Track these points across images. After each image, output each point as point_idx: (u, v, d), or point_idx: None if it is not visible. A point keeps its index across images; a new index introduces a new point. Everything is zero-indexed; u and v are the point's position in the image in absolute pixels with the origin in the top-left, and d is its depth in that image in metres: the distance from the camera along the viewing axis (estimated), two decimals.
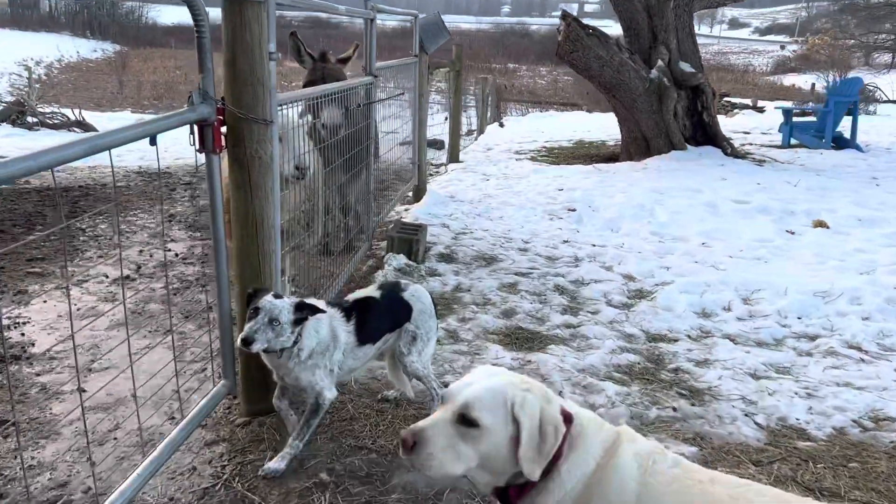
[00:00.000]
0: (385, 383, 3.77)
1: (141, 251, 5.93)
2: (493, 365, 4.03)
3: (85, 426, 2.66)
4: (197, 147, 2.93)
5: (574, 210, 7.65)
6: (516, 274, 5.64)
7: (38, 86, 23.10)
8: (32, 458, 3.07)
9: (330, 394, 3.06)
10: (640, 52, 10.93)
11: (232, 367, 3.29)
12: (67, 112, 15.54)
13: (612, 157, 11.39)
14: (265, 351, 2.90)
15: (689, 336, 4.63)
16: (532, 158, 11.53)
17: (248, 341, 2.73)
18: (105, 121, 16.86)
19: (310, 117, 4.20)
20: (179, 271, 5.50)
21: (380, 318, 3.24)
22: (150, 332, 4.36)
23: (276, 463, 2.97)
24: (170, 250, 6.01)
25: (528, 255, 6.18)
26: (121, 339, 4.22)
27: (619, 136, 11.44)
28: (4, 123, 14.34)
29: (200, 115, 2.83)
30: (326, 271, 4.75)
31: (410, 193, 8.03)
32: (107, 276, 5.27)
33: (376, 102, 5.71)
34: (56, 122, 15.15)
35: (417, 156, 7.87)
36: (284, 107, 3.51)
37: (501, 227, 7.05)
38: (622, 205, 7.79)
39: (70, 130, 14.88)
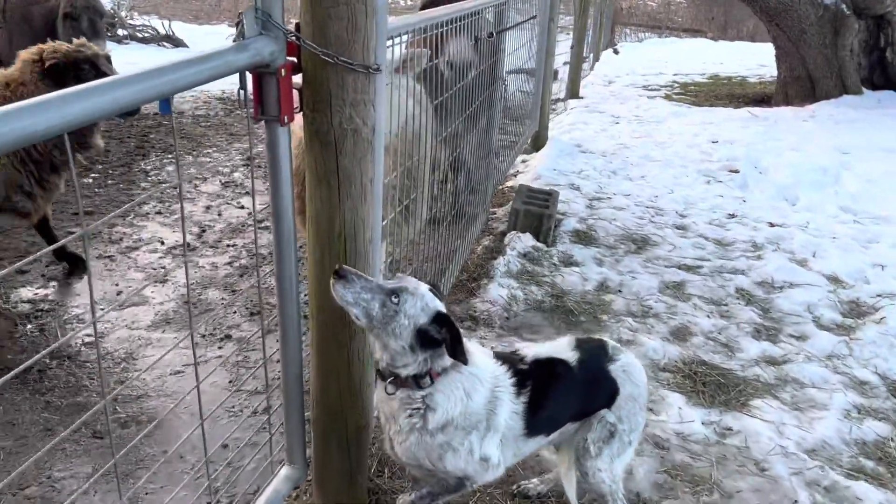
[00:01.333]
0: (523, 461, 2.57)
1: (208, 207, 4.88)
2: (678, 433, 2.82)
3: None
4: (251, 111, 1.72)
5: (737, 171, 6.11)
6: (680, 267, 4.27)
7: None
8: None
9: (481, 477, 1.93)
10: None
11: (302, 447, 2.16)
12: (158, 25, 14.68)
13: (762, 99, 9.59)
14: (380, 375, 1.84)
15: None
16: (666, 97, 9.83)
17: (341, 274, 1.74)
18: (200, 35, 15.95)
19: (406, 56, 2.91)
20: (251, 240, 4.42)
21: (568, 397, 2.01)
22: (203, 336, 3.29)
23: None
24: (242, 207, 4.93)
25: (690, 236, 4.77)
26: (164, 345, 3.18)
27: (763, 72, 9.58)
28: None
29: (256, 56, 1.60)
30: (431, 252, 3.54)
31: (528, 141, 6.66)
32: (162, 243, 4.24)
33: (507, 30, 4.33)
34: (146, 35, 14.35)
35: (542, 95, 6.45)
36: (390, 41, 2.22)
37: (647, 192, 5.63)
38: (796, 166, 6.18)
39: (159, 45, 14.05)
